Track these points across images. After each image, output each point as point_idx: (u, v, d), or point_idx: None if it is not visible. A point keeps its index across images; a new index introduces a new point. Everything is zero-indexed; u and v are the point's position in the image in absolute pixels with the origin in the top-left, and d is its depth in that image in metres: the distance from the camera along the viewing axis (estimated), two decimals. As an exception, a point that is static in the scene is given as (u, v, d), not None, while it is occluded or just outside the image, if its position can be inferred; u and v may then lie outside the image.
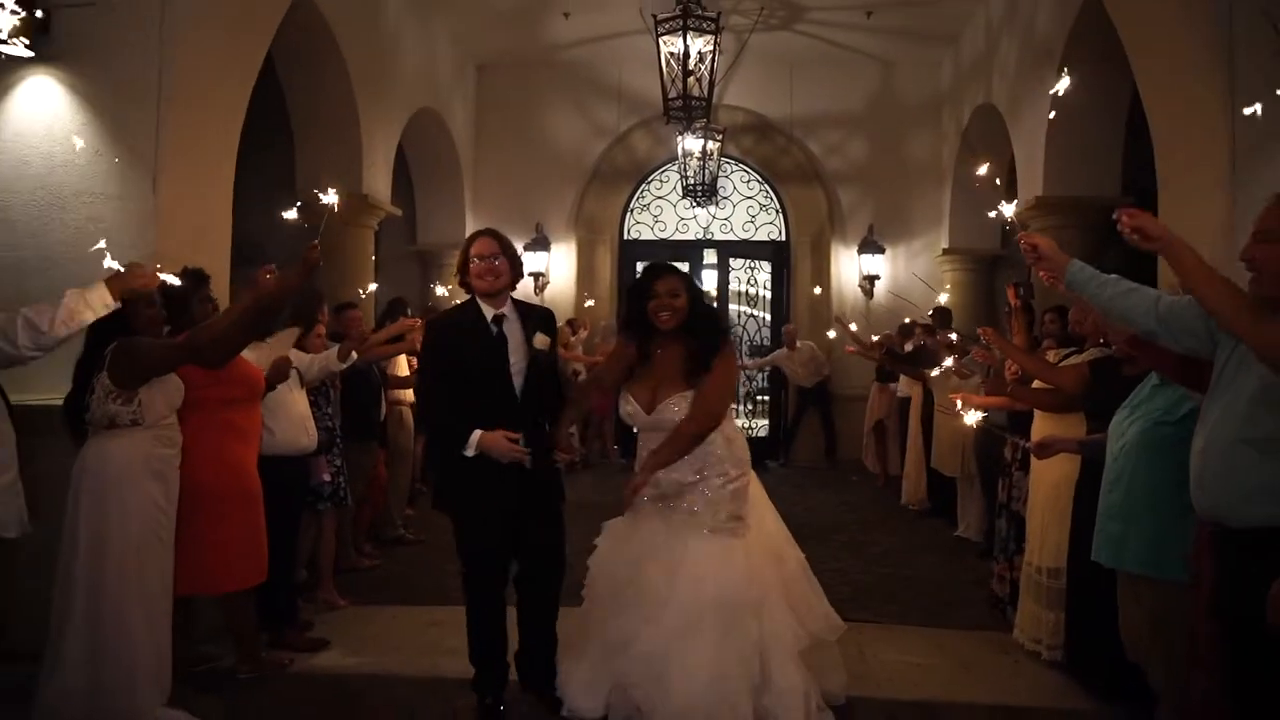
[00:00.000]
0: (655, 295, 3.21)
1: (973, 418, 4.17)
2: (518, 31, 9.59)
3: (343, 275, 7.15)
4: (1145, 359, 2.84)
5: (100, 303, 2.99)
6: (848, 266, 10.52)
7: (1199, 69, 4.01)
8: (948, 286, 9.53)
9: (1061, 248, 2.51)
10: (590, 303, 10.22)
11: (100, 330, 3.09)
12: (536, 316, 3.41)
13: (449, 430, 3.26)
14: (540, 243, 10.27)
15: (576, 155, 10.60)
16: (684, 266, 10.51)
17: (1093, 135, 7.00)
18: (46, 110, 4.22)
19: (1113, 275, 2.37)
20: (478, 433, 3.16)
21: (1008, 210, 2.78)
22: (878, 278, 10.33)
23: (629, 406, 3.30)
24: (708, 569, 3.09)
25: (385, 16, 7.92)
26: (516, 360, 3.30)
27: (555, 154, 10.62)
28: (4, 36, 3.51)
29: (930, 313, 7.82)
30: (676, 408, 3.17)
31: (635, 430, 3.38)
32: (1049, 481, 3.79)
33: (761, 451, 10.31)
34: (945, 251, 10.13)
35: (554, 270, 10.51)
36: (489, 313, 3.34)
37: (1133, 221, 2.22)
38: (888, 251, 10.37)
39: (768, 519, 3.40)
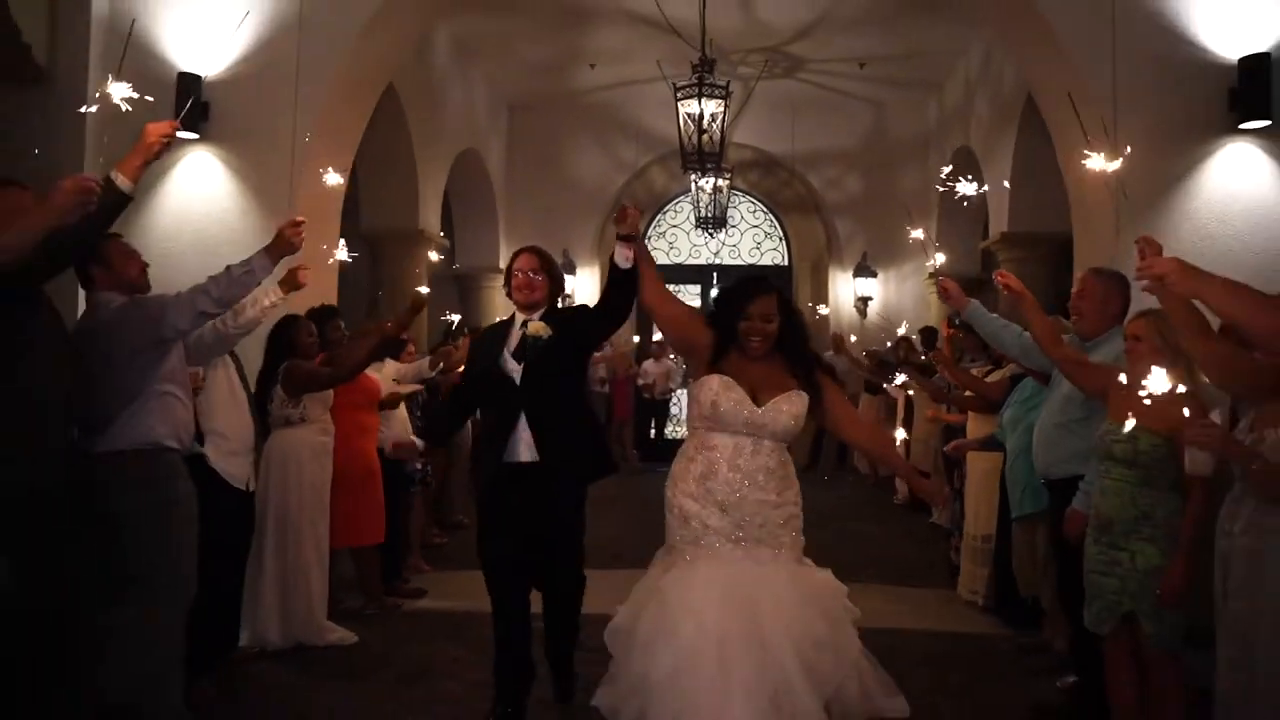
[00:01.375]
0: (748, 317, 2.79)
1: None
2: (547, 78, 10.77)
3: (405, 296, 8.31)
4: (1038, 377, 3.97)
5: (273, 292, 3.78)
6: (844, 289, 11.65)
7: (1092, 139, 5.11)
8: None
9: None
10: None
11: (273, 353, 4.23)
12: (565, 315, 3.47)
13: (437, 424, 3.65)
14: (566, 268, 11.42)
15: (599, 188, 11.76)
16: (696, 289, 11.76)
17: (1050, 180, 8.12)
18: (203, 176, 5.38)
19: (995, 315, 3.52)
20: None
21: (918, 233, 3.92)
22: (871, 299, 11.47)
23: (732, 394, 2.71)
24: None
25: (435, 69, 9.09)
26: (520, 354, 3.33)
27: (580, 186, 11.78)
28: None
29: (915, 333, 8.94)
30: (786, 408, 2.73)
31: (705, 432, 2.78)
32: (980, 470, 4.92)
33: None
34: (931, 275, 11.25)
35: (579, 293, 11.65)
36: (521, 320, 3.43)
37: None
38: (880, 275, 11.50)
39: None
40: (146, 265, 3.45)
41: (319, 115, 5.39)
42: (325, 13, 5.31)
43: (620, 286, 3.07)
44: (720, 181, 10.05)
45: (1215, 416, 2.50)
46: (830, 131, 11.58)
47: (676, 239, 12.06)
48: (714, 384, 2.74)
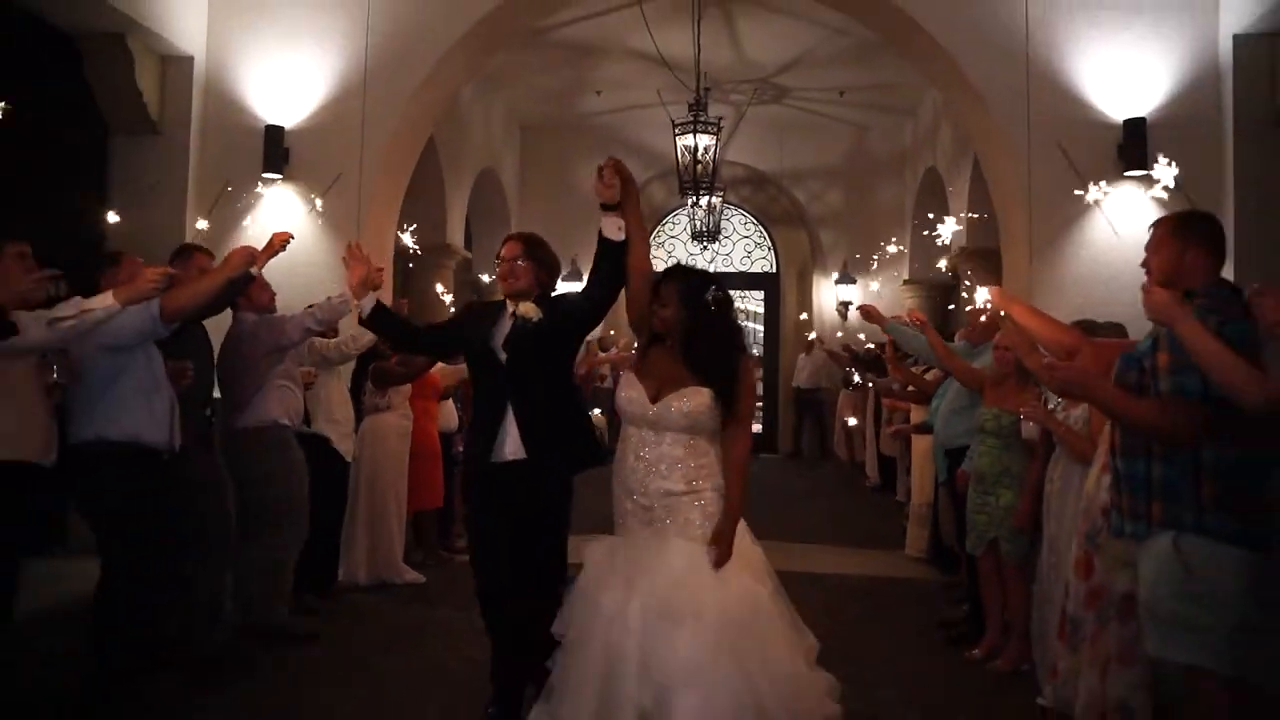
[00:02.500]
0: (656, 296, 2.93)
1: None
2: (558, 103, 11.89)
3: (433, 305, 9.44)
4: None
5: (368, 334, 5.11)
6: (827, 294, 12.80)
7: (1016, 178, 6.24)
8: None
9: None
10: (611, 332, 12.50)
11: (362, 356, 5.38)
12: (560, 303, 3.32)
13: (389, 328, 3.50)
14: (574, 274, 12.54)
15: (604, 201, 12.88)
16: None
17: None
18: (285, 208, 6.50)
19: (906, 327, 4.68)
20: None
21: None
22: (851, 303, 12.61)
23: (631, 391, 2.89)
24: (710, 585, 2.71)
25: (461, 99, 10.19)
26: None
27: (586, 200, 12.76)
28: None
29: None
30: (676, 405, 2.81)
31: (625, 425, 2.96)
32: (921, 449, 6.09)
33: (758, 446, 12.74)
34: (906, 282, 12.39)
35: (585, 296, 12.78)
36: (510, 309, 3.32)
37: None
38: (859, 281, 12.64)
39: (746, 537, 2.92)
40: (275, 294, 4.60)
41: (379, 157, 6.53)
42: (385, 76, 6.45)
43: (611, 260, 3.04)
44: (714, 199, 11.20)
45: (1045, 401, 3.67)
46: (815, 151, 12.70)
47: (674, 249, 13.22)
48: (624, 381, 2.96)
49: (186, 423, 3.77)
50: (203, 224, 6.31)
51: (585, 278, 3.32)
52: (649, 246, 3.08)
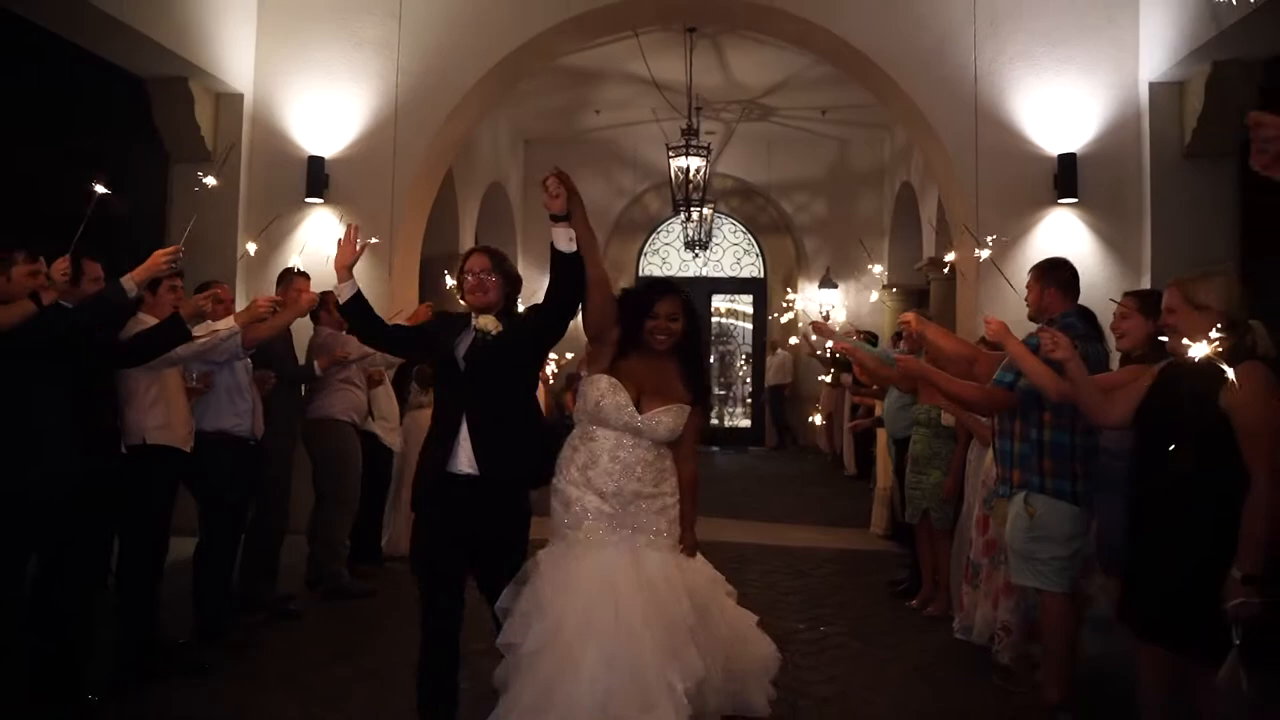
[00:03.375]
0: (655, 316, 2.99)
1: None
2: (559, 120, 12.75)
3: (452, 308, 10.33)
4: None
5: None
6: (811, 298, 13.71)
7: (966, 202, 7.14)
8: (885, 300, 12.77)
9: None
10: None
11: (404, 366, 6.27)
12: (523, 317, 3.27)
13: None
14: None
15: (602, 211, 13.69)
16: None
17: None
18: (326, 229, 7.36)
19: (852, 338, 5.59)
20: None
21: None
22: (834, 306, 13.53)
23: (618, 397, 2.92)
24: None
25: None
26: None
27: (585, 209, 13.76)
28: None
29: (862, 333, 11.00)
30: (665, 420, 2.93)
31: (589, 425, 2.99)
32: (882, 443, 6.98)
33: (744, 438, 13.71)
34: (884, 287, 13.31)
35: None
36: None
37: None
38: (840, 286, 13.56)
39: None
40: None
41: (408, 182, 7.40)
42: (414, 111, 7.32)
43: (564, 271, 3.02)
44: (705, 211, 12.10)
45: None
46: (800, 164, 13.62)
47: (669, 255, 14.13)
48: (602, 384, 2.95)
49: (269, 418, 4.69)
50: (252, 246, 7.18)
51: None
52: (600, 255, 3.13)
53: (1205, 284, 2.59)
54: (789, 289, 13.74)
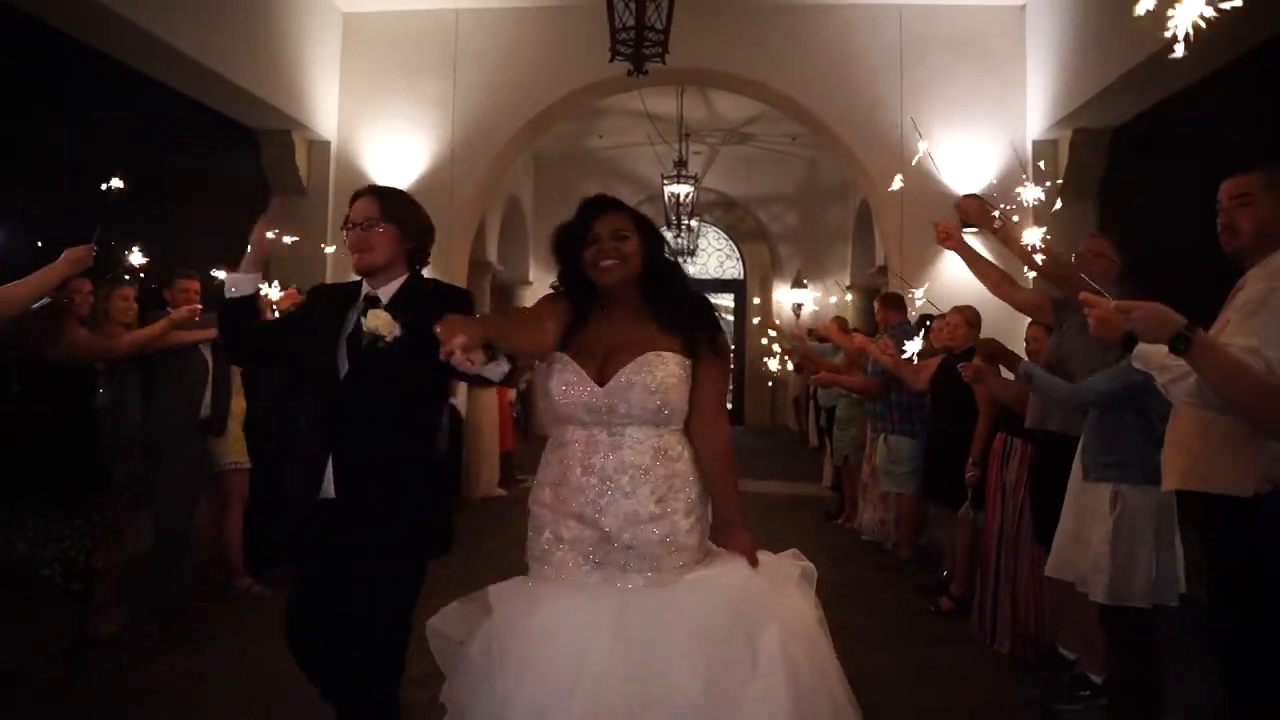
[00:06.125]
0: (595, 240, 2.23)
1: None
2: (567, 142, 14.72)
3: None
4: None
5: None
6: (784, 297, 15.79)
7: (895, 232, 9.21)
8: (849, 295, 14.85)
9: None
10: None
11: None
12: (435, 302, 2.45)
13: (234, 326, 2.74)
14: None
15: (603, 220, 15.75)
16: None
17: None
18: (394, 246, 9.37)
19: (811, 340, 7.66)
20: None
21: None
22: (803, 304, 15.60)
23: (567, 375, 2.16)
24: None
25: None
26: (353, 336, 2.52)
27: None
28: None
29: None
30: (637, 379, 2.12)
31: (558, 427, 2.24)
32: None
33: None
34: (847, 287, 15.39)
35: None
36: (364, 292, 2.62)
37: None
38: (810, 286, 15.62)
39: None
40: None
41: (462, 211, 9.41)
42: (466, 153, 9.30)
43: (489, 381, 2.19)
44: (693, 223, 14.15)
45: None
46: (775, 181, 15.63)
47: (661, 258, 16.19)
48: (550, 370, 2.20)
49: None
50: (330, 249, 9.19)
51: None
52: (530, 337, 2.23)
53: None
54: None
